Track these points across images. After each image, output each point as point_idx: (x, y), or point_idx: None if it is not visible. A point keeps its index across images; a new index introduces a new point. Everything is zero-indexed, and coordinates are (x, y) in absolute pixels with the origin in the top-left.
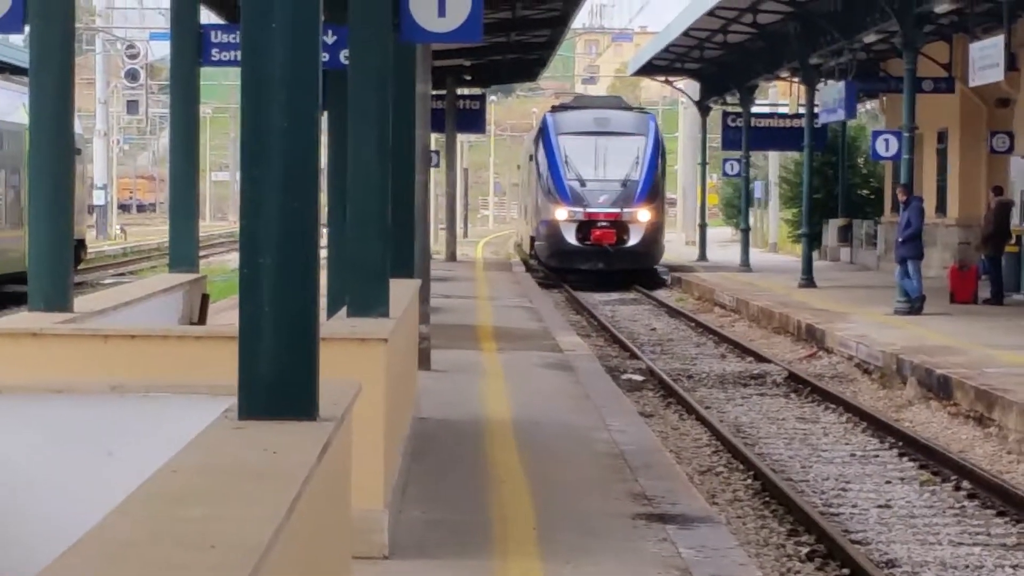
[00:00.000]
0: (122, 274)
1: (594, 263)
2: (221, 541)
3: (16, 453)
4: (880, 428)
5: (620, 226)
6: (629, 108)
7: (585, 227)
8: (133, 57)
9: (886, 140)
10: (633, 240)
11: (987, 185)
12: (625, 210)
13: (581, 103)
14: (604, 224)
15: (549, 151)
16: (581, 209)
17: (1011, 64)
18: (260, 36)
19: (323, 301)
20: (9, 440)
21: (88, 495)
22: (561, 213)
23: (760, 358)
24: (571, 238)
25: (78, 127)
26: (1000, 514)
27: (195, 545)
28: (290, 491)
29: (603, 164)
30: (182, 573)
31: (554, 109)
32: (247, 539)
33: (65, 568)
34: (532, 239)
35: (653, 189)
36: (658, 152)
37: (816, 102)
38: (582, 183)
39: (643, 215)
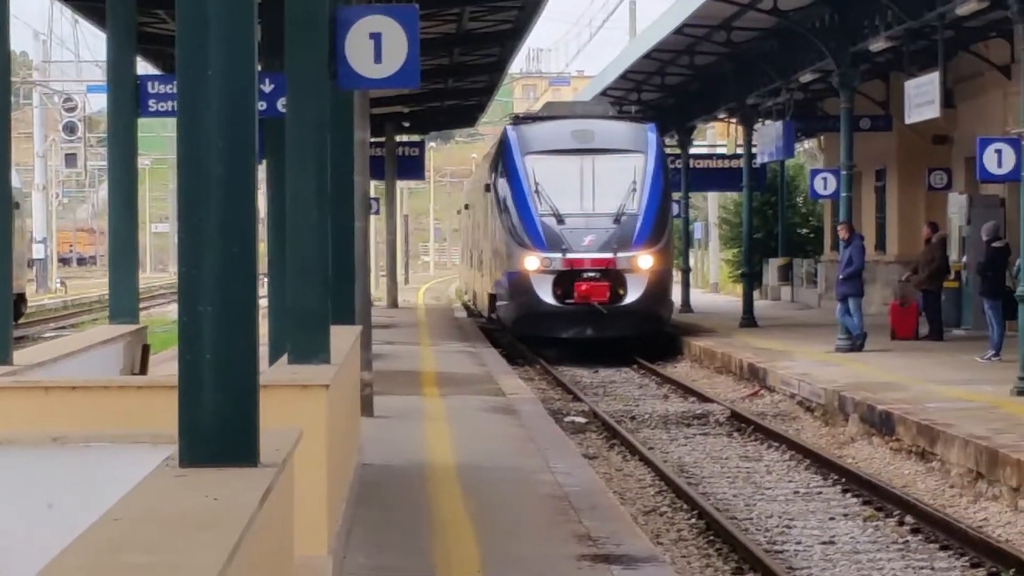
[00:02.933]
0: (63, 327)
1: (580, 329)
2: None
3: None
4: (823, 465)
5: (615, 277)
6: (619, 116)
7: (566, 280)
8: (71, 110)
9: (824, 179)
10: (633, 295)
11: (926, 224)
12: (621, 255)
13: (553, 111)
14: (592, 275)
15: (513, 178)
16: (559, 255)
17: (947, 101)
18: (195, 85)
19: (265, 349)
20: None
21: (28, 547)
22: (532, 262)
23: (703, 398)
24: (547, 296)
25: (16, 181)
26: (943, 548)
27: None
28: (231, 537)
29: (588, 193)
30: None
31: (516, 121)
32: None
33: None
34: (491, 297)
35: (658, 224)
36: (662, 173)
37: (754, 142)
38: (560, 220)
39: (645, 261)
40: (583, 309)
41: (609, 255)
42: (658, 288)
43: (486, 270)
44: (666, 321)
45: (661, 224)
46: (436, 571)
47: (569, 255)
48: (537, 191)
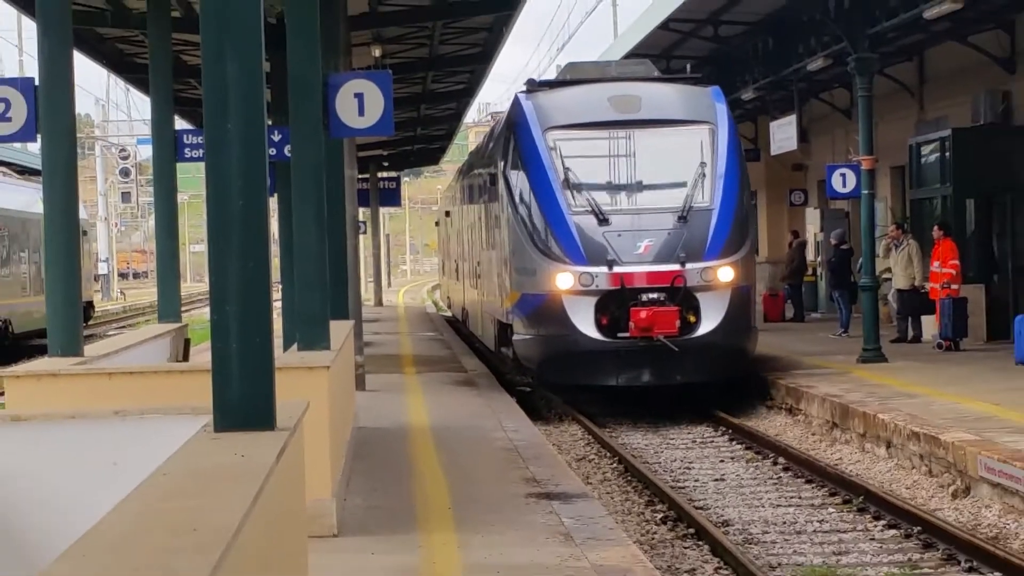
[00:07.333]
0: (122, 327)
1: (635, 374)
2: (201, 526)
3: (39, 468)
4: (714, 420)
5: (685, 298)
6: (670, 77)
7: (615, 304)
8: (125, 158)
9: None
10: (709, 323)
11: (789, 231)
12: (691, 266)
13: (580, 74)
14: (654, 296)
15: (532, 164)
16: (604, 270)
17: (802, 137)
18: (218, 135)
19: (280, 340)
20: (33, 458)
21: (99, 498)
22: (565, 280)
23: None
24: (588, 327)
25: (84, 213)
26: (808, 482)
27: (181, 531)
28: (255, 486)
29: (638, 182)
30: (171, 552)
31: (531, 88)
32: (221, 523)
33: (77, 555)
34: (501, 327)
35: (738, 223)
36: (737, 153)
37: None
38: (602, 219)
39: (726, 274)
40: (641, 345)
41: (675, 267)
42: (742, 312)
43: (490, 287)
44: (749, 356)
45: (742, 222)
46: (416, 508)
47: (618, 268)
48: (567, 180)
